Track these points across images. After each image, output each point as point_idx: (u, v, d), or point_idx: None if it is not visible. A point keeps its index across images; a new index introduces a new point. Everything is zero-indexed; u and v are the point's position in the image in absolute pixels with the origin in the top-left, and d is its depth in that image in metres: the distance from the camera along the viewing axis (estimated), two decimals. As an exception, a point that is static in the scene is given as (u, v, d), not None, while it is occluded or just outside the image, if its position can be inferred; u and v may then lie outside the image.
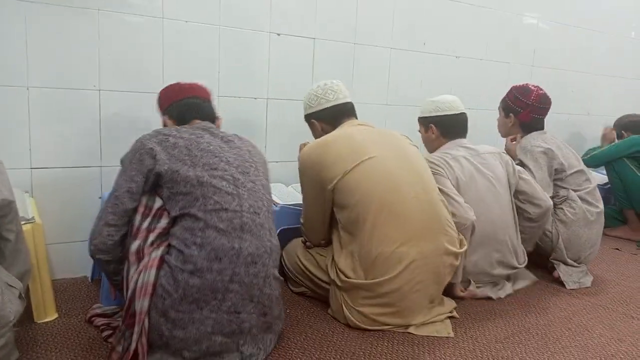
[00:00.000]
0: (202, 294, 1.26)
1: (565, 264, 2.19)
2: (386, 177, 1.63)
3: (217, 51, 2.13)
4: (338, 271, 1.65)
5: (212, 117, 1.62)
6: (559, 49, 3.29)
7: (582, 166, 2.29)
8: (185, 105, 1.58)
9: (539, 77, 3.21)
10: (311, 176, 1.70)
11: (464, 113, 2.08)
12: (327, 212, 1.71)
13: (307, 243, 1.88)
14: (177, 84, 1.65)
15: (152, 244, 1.32)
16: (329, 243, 1.78)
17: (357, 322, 1.62)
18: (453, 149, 2.01)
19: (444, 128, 2.06)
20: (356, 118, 1.86)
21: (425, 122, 2.11)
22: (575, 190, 2.22)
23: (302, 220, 1.85)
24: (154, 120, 1.99)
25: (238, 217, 1.34)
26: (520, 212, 2.04)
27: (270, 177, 1.95)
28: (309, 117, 1.89)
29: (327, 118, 1.83)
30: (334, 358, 1.46)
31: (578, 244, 2.18)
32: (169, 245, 1.32)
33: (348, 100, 1.85)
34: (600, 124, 3.37)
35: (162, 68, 2.02)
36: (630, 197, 2.88)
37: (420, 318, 1.66)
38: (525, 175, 2.07)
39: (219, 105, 2.12)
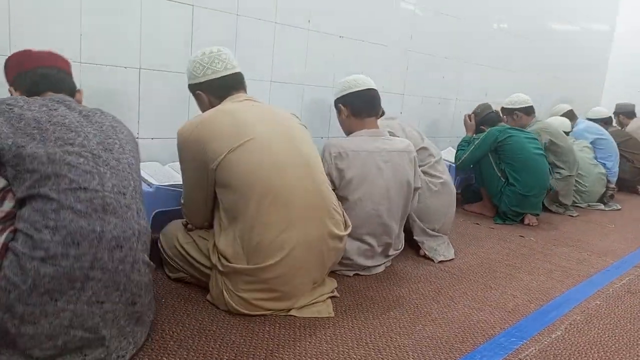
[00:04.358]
0: (56, 283, 1.11)
1: (427, 235, 2.34)
2: (271, 159, 1.56)
3: (78, 10, 1.87)
4: (220, 256, 1.57)
5: (70, 91, 1.44)
6: (432, 36, 3.47)
7: (425, 143, 2.43)
8: (37, 75, 1.40)
9: (415, 62, 3.37)
10: (192, 155, 1.58)
11: (373, 89, 2.08)
12: (210, 193, 1.62)
13: (189, 225, 1.77)
14: (28, 51, 1.45)
15: None
16: (212, 226, 1.69)
17: (238, 308, 1.57)
18: (359, 140, 2.01)
19: (353, 106, 2.07)
20: (245, 90, 1.77)
21: (337, 104, 2.13)
22: (420, 166, 2.34)
23: (182, 202, 1.74)
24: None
25: (99, 197, 1.20)
26: None
27: (144, 155, 1.79)
28: (194, 88, 1.75)
29: (215, 90, 1.71)
30: (213, 348, 1.40)
31: (428, 214, 2.34)
32: (15, 230, 1.13)
33: (237, 70, 1.74)
34: (467, 109, 3.65)
35: (10, 33, 1.72)
36: (484, 181, 3.17)
37: (302, 300, 1.66)
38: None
39: (81, 74, 1.89)
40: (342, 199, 1.95)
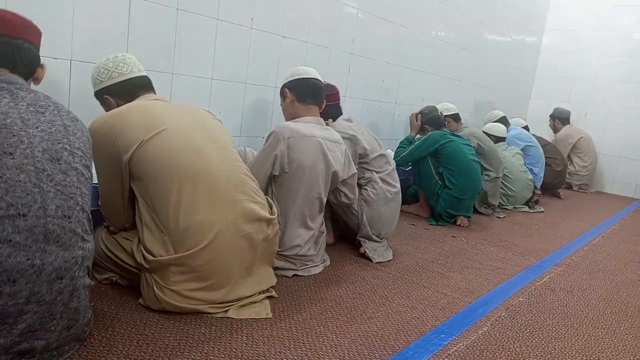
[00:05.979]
0: None
1: (371, 240, 2.41)
2: (189, 147, 1.58)
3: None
4: (144, 252, 1.54)
5: (30, 66, 1.33)
6: (374, 40, 3.54)
7: (383, 150, 2.52)
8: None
9: (357, 65, 3.43)
10: (104, 149, 1.54)
11: (319, 80, 2.19)
12: (126, 188, 1.59)
13: (111, 228, 1.71)
14: (2, 12, 1.30)
15: None
16: (134, 226, 1.65)
17: (172, 302, 1.53)
18: (309, 126, 2.05)
19: (298, 91, 2.14)
20: (154, 92, 1.76)
21: (282, 89, 2.18)
22: (377, 172, 2.45)
23: (100, 203, 1.68)
24: None
25: (41, 225, 1.10)
26: (335, 193, 2.24)
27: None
28: (100, 93, 1.72)
29: (122, 93, 1.69)
30: (145, 352, 1.35)
31: (379, 221, 2.41)
32: None
33: (144, 74, 1.74)
34: (406, 113, 3.77)
35: None
36: (422, 183, 3.29)
37: (238, 290, 1.64)
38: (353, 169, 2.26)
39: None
40: (290, 183, 1.99)
